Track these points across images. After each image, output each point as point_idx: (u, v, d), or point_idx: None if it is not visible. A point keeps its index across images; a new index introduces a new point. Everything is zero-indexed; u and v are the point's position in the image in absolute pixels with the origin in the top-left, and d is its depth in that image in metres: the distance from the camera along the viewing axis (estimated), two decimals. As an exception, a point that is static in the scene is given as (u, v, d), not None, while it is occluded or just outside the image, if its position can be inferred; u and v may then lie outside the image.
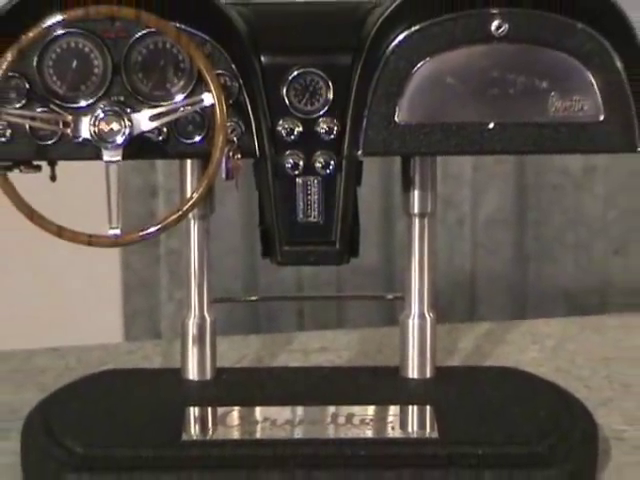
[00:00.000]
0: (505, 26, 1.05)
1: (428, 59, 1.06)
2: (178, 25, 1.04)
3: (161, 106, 1.05)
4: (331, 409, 1.10)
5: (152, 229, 1.06)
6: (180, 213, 1.06)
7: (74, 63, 1.05)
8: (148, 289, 1.67)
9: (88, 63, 1.05)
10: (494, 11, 1.05)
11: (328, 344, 1.32)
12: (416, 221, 1.13)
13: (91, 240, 1.05)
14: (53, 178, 1.08)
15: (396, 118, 1.06)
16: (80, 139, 1.04)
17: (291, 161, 1.07)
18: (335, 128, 1.06)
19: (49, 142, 1.05)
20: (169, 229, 1.06)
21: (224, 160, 1.04)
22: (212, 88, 1.03)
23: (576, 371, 1.26)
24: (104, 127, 1.04)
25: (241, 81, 1.06)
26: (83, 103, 1.05)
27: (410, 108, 1.06)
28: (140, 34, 1.05)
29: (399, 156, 1.12)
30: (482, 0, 1.05)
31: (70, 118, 1.04)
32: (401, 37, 1.05)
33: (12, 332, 1.43)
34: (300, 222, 1.08)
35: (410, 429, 1.09)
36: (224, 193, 1.32)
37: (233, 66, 1.06)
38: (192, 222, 1.13)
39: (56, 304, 1.64)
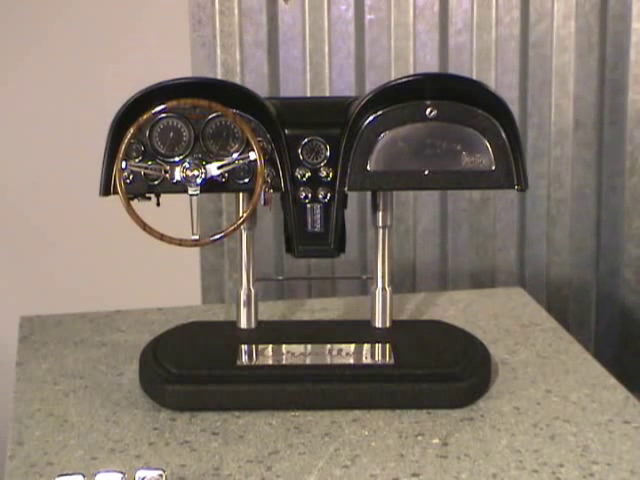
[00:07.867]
0: (435, 111, 1.05)
1: (387, 131, 1.05)
2: (235, 111, 1.03)
3: (224, 160, 1.04)
4: (328, 346, 1.10)
5: (217, 236, 1.05)
6: (235, 226, 1.05)
7: (171, 134, 1.05)
8: (217, 272, 1.66)
9: (179, 134, 1.05)
10: (428, 102, 1.05)
11: (327, 306, 1.31)
12: (380, 231, 1.12)
13: (181, 242, 1.04)
14: (158, 204, 1.08)
15: (368, 167, 1.05)
16: (174, 181, 1.04)
17: (303, 194, 1.06)
18: (330, 173, 1.06)
19: (155, 182, 1.05)
20: (229, 236, 1.05)
21: (262, 193, 1.04)
22: (255, 149, 1.03)
23: (477, 322, 1.25)
24: (189, 173, 1.03)
25: (273, 145, 1.05)
26: (177, 159, 1.05)
27: (376, 161, 1.05)
28: (211, 116, 1.04)
29: (370, 191, 1.10)
30: (420, 95, 1.05)
31: (168, 168, 1.04)
32: (371, 118, 1.05)
33: (132, 299, 1.42)
34: (309, 231, 1.07)
35: (376, 358, 1.09)
36: (262, 214, 1.31)
37: (268, 136, 1.05)
38: (243, 231, 1.12)
39: (161, 281, 1.62)
